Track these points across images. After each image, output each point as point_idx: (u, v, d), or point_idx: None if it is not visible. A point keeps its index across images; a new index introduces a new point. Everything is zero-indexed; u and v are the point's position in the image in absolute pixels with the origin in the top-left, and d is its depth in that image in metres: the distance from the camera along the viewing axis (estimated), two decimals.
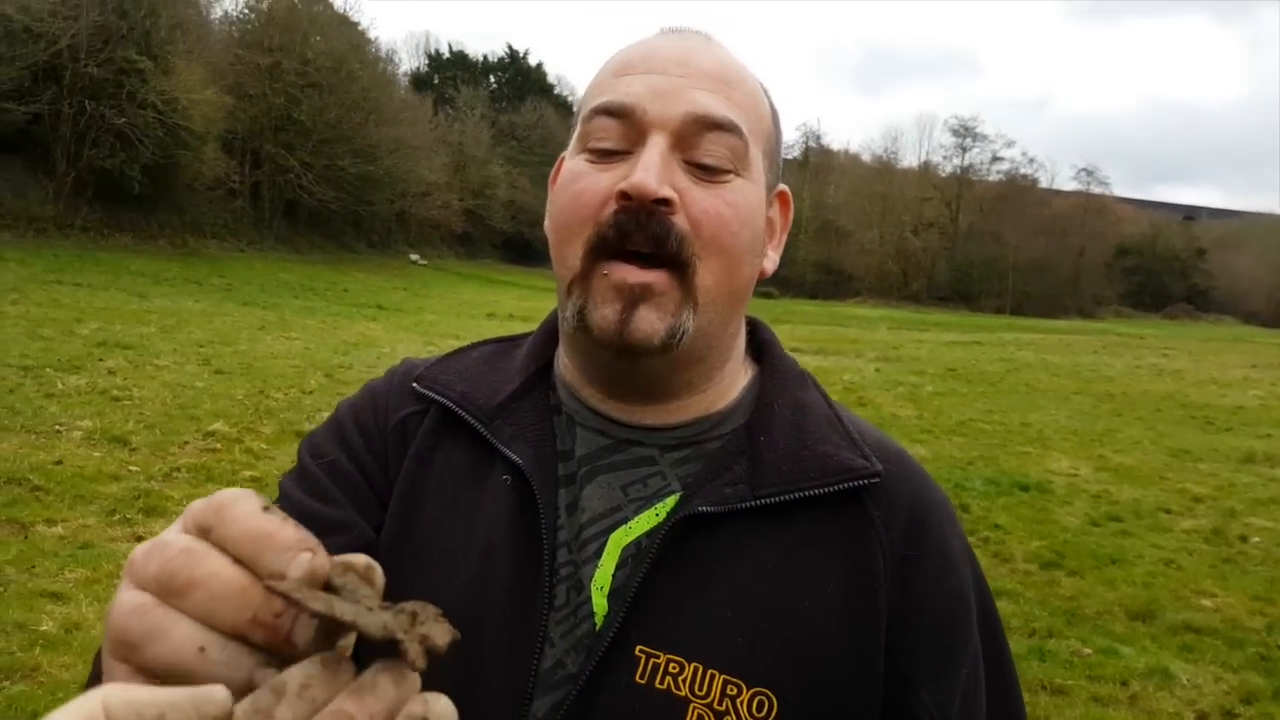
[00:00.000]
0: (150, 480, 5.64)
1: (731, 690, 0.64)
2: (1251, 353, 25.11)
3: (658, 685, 0.65)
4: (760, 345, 0.82)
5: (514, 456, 0.73)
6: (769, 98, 0.78)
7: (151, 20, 23.98)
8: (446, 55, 53.78)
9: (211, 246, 26.59)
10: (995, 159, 56.50)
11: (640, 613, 0.67)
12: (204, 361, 9.97)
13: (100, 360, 9.23)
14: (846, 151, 61.02)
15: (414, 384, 0.80)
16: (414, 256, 35.74)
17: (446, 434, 0.77)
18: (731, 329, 0.76)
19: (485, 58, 55.08)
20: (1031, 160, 70.52)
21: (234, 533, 0.37)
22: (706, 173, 0.70)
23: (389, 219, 35.91)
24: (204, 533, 0.38)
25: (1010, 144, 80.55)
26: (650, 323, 0.68)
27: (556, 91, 55.84)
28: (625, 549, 0.70)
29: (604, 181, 0.70)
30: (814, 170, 56.05)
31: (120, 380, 8.40)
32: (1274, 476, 8.80)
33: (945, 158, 58.04)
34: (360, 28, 34.64)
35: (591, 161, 0.72)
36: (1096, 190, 58.02)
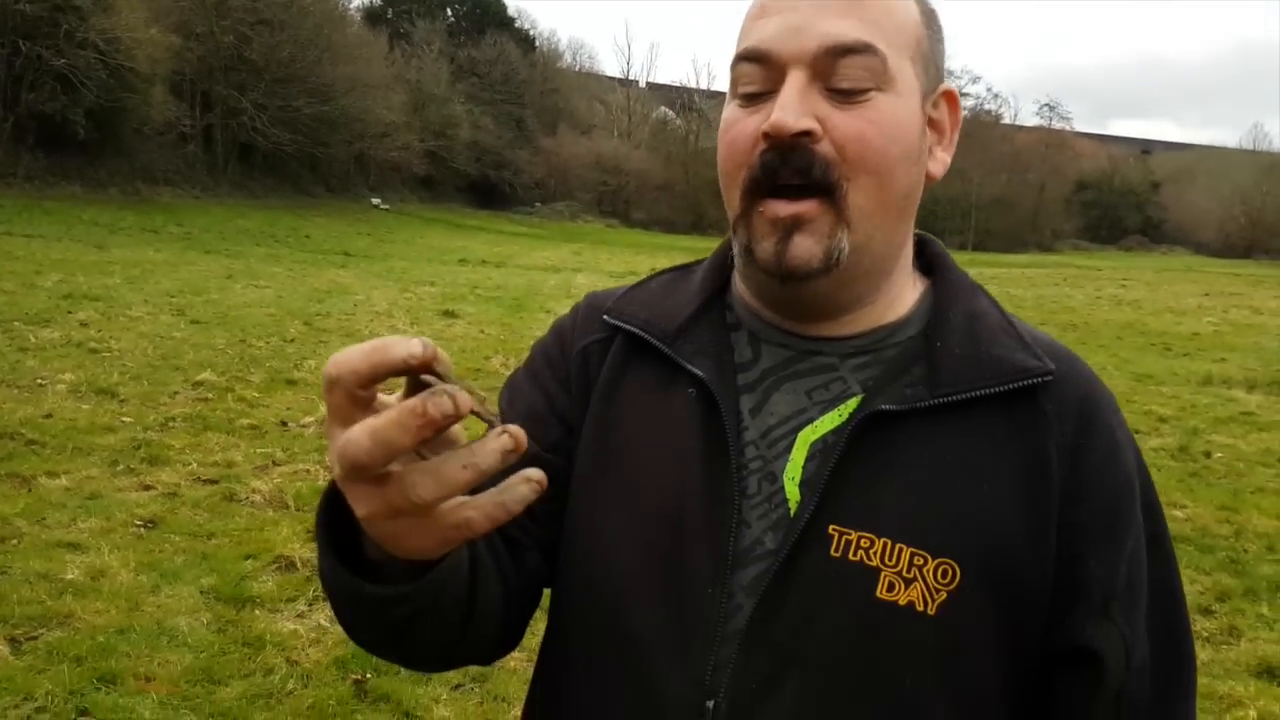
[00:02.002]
0: (147, 430, 5.62)
1: (918, 561, 0.72)
2: (1204, 281, 25.77)
3: (851, 558, 0.73)
4: (930, 259, 0.87)
5: (696, 370, 0.80)
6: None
7: None
8: None
9: (165, 194, 25.86)
10: (961, 94, 56.24)
11: (831, 498, 0.74)
12: (178, 311, 9.84)
13: (69, 313, 9.07)
14: None
15: (605, 315, 0.87)
16: (375, 201, 34.97)
17: (634, 357, 0.85)
18: (898, 239, 0.80)
19: None
20: (996, 95, 70.52)
21: (355, 358, 0.50)
22: (846, 96, 0.73)
23: (347, 162, 35.01)
24: (332, 385, 0.51)
25: (976, 79, 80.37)
26: (806, 249, 0.74)
27: (518, 25, 54.34)
28: (813, 445, 0.77)
29: (751, 125, 0.75)
30: None
31: (95, 332, 8.28)
32: (1230, 397, 9.18)
33: None
34: None
35: (742, 107, 0.76)
36: (1058, 126, 58.44)
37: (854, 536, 0.73)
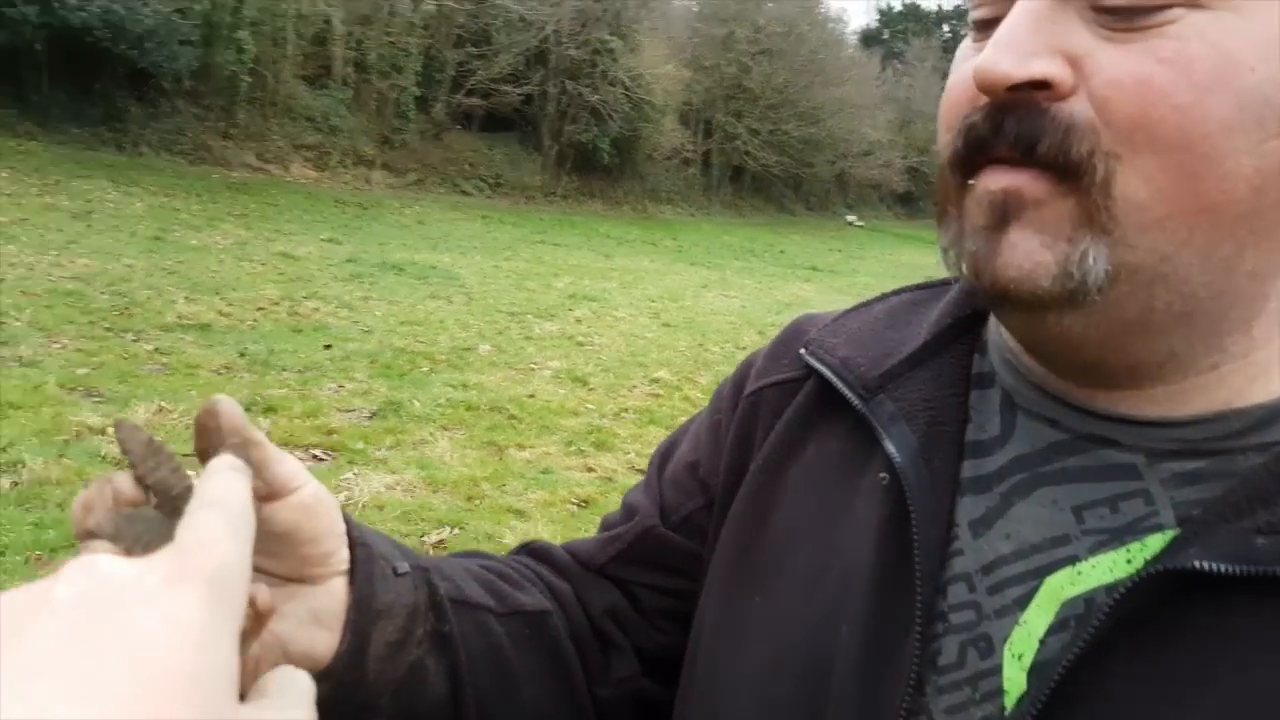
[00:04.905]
0: (603, 418, 6.13)
1: None
2: None
3: None
4: None
5: (888, 444, 0.53)
6: None
7: (622, 1, 26.56)
8: (898, 9, 52.63)
9: (666, 212, 28.91)
10: None
11: (1083, 707, 0.44)
12: (654, 315, 10.77)
13: (570, 310, 10.39)
14: None
15: (801, 349, 0.62)
16: (850, 218, 35.56)
17: (826, 412, 0.60)
18: (1244, 265, 0.44)
19: (939, 7, 53.00)
20: None
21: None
22: (1125, 18, 0.42)
23: (828, 180, 36.06)
24: None
25: None
26: (1024, 252, 0.44)
27: None
28: (1069, 604, 0.47)
29: (969, 68, 0.46)
30: None
31: (585, 328, 9.37)
32: None
33: None
34: None
35: (976, 41, 0.49)
36: None
37: None
